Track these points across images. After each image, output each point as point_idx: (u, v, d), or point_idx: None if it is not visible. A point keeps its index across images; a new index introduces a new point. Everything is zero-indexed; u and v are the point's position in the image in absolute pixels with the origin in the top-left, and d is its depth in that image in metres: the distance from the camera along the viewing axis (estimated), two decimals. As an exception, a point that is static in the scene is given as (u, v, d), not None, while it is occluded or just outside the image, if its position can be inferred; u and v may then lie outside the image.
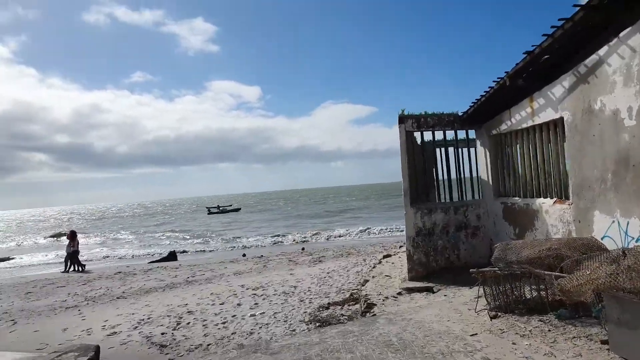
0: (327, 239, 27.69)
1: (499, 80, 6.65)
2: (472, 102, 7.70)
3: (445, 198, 8.98)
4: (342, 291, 9.19)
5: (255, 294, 9.81)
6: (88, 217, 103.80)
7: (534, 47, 5.62)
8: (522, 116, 6.94)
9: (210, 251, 26.13)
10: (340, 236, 28.95)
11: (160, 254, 27.17)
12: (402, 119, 8.27)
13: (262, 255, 18.09)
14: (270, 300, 9.00)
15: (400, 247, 14.13)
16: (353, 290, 9.08)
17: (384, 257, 11.92)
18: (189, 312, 8.60)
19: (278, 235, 32.06)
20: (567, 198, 6.14)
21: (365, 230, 31.01)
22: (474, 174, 8.81)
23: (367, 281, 8.81)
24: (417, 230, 8.19)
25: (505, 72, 6.40)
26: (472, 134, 8.73)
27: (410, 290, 7.52)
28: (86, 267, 18.79)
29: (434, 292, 7.26)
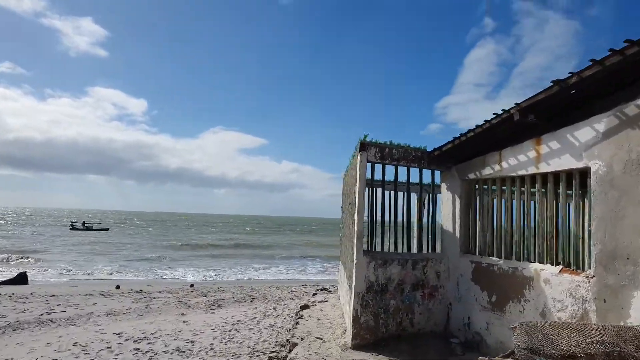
0: (216, 276, 24.90)
1: (502, 112, 5.42)
2: (453, 137, 6.41)
3: (397, 248, 7.51)
4: (257, 353, 7.13)
5: (138, 350, 7.30)
6: None
7: (571, 74, 4.45)
8: (519, 161, 5.76)
9: (72, 278, 21.89)
10: (236, 273, 26.38)
11: (4, 273, 22.34)
12: (364, 146, 6.71)
13: (141, 290, 15.03)
14: (162, 364, 6.64)
15: (315, 294, 12.39)
16: (271, 353, 7.08)
17: (302, 308, 10.04)
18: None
19: (156, 266, 28.41)
20: (582, 268, 4.95)
21: (263, 268, 28.92)
22: (437, 221, 7.49)
23: (295, 345, 6.85)
24: (369, 286, 6.53)
25: (516, 103, 5.18)
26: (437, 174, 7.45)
27: (359, 366, 5.75)
28: None
29: (391, 371, 5.58)
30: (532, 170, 5.56)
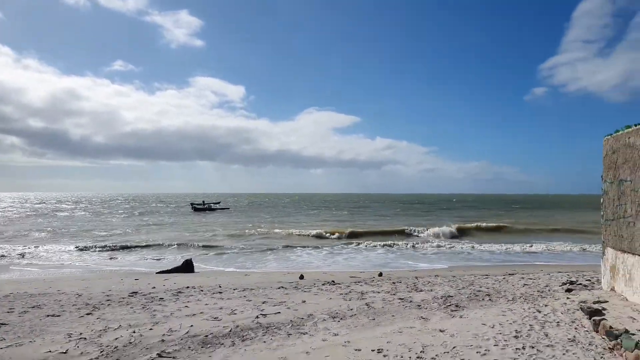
0: (386, 262, 22.97)
1: None
2: None
3: None
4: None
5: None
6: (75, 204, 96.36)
7: None
8: None
9: (240, 265, 21.08)
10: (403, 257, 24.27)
11: (164, 259, 22.26)
12: None
13: (333, 281, 13.27)
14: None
15: (570, 290, 9.65)
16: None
17: (589, 313, 7.41)
18: None
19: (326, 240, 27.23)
20: None
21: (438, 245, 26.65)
22: None
23: None
24: None
25: None
26: None
27: None
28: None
29: None
30: None
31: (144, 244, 28.54)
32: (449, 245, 28.24)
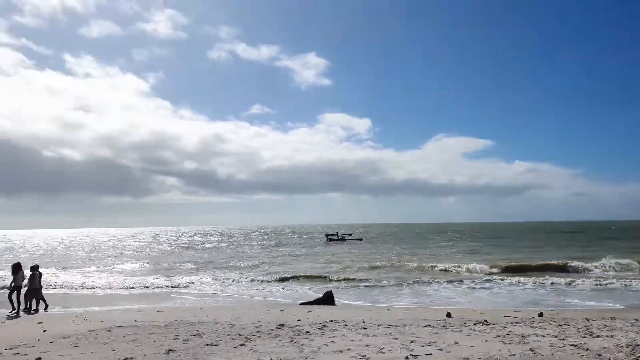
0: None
1: None
2: None
3: None
4: None
5: None
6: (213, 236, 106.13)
7: None
8: None
9: (374, 299, 20.66)
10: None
11: (303, 290, 22.75)
12: None
13: (485, 321, 12.16)
14: None
15: None
16: None
17: None
18: None
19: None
20: None
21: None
22: None
23: None
24: None
25: None
26: None
27: None
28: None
29: None
30: None
31: (283, 274, 29.66)
32: (611, 280, 24.49)
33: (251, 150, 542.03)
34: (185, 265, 39.16)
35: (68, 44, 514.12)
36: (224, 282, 26.97)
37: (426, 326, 11.37)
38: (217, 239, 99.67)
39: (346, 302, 18.85)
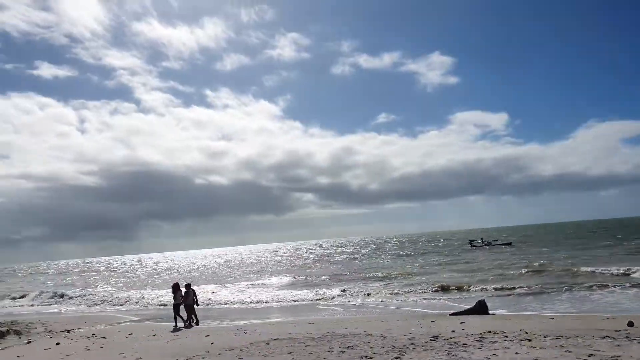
0: None
1: None
2: None
3: None
4: None
5: None
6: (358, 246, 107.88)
7: None
8: None
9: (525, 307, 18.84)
10: None
11: (449, 299, 21.76)
12: None
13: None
14: None
15: None
16: None
17: None
18: None
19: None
20: None
21: None
22: None
23: None
24: None
25: None
26: None
27: None
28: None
29: None
30: None
31: (423, 284, 28.76)
32: None
33: (380, 159, 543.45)
34: (323, 277, 40.20)
35: (207, 80, 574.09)
36: (362, 293, 26.99)
37: (604, 337, 9.97)
38: (350, 250, 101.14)
39: (501, 311, 17.46)
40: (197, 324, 18.30)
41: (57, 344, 14.67)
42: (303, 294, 28.74)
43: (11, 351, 14.43)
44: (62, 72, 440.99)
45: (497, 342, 10.17)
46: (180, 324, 17.91)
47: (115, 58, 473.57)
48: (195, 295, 18.92)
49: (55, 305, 33.93)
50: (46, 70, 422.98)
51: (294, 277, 41.48)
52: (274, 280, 40.34)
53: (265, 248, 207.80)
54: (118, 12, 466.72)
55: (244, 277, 48.36)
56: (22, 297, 40.16)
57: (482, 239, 74.09)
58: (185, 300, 18.42)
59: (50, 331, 18.35)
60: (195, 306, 18.63)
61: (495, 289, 24.56)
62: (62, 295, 37.84)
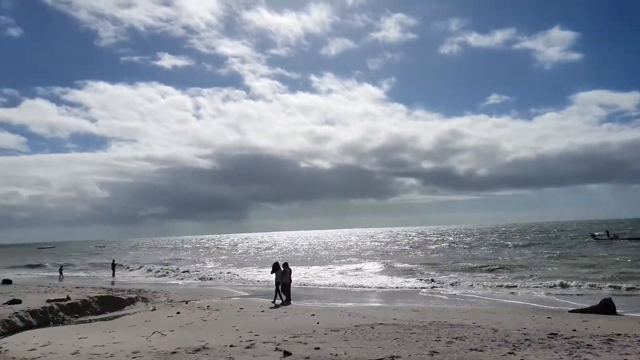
0: None
1: None
2: None
3: None
4: None
5: None
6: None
7: None
8: None
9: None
10: None
11: (565, 295, 20.06)
12: None
13: None
14: None
15: None
16: None
17: None
18: None
19: None
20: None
21: None
22: None
23: None
24: None
25: None
26: None
27: None
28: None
29: None
30: None
31: (534, 277, 26.83)
32: None
33: (491, 143, 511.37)
34: (422, 264, 39.18)
35: (312, 65, 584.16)
36: (466, 283, 25.76)
37: None
38: (452, 238, 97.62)
39: (632, 313, 15.63)
40: (289, 302, 18.86)
41: (178, 312, 16.13)
42: (403, 280, 28.39)
43: (140, 316, 16.18)
44: (180, 62, 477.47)
45: (629, 346, 9.14)
46: (279, 301, 18.80)
47: (227, 47, 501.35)
48: (291, 274, 19.74)
49: (169, 278, 37.48)
50: (167, 61, 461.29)
51: (392, 263, 41.14)
52: (373, 265, 40.34)
53: (365, 232, 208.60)
54: (230, 2, 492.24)
55: (344, 259, 49.08)
56: (139, 268, 47.02)
57: (607, 231, 66.95)
58: (282, 279, 19.18)
59: (171, 300, 20.26)
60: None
61: (627, 288, 21.63)
62: (176, 269, 41.92)
